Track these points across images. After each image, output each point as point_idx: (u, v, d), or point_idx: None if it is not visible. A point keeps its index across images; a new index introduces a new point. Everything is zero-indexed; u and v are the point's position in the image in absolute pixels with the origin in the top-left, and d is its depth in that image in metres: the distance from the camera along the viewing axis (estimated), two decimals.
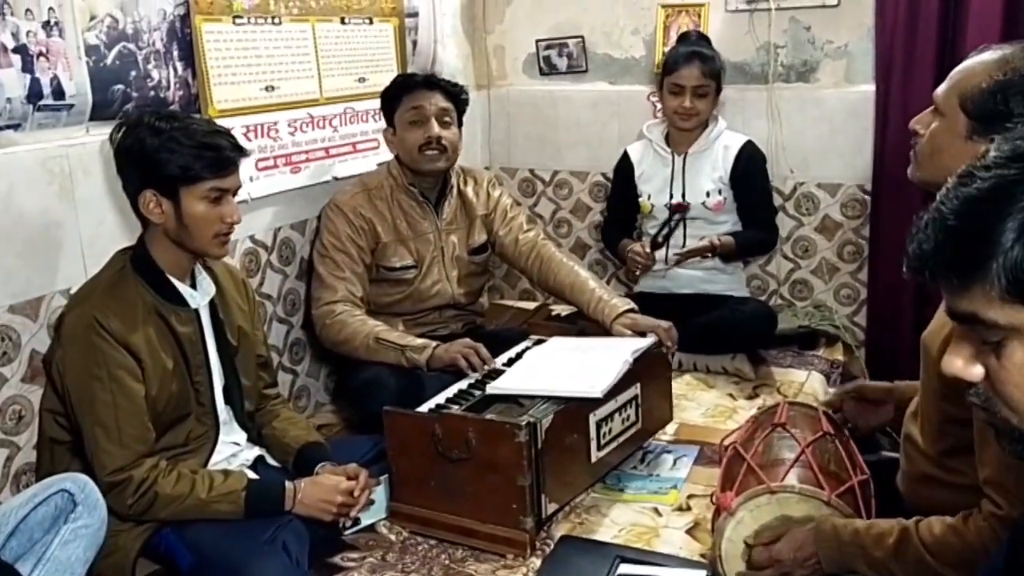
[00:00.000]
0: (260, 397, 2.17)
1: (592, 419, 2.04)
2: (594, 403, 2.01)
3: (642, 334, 2.35)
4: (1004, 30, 2.61)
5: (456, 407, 2.07)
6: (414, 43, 3.11)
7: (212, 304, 1.99)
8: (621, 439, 2.16)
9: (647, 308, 2.92)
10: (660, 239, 2.94)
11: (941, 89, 1.54)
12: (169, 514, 1.83)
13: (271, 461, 2.12)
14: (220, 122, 2.29)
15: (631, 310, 2.44)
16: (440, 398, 2.14)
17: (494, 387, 2.07)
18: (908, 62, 2.82)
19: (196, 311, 1.94)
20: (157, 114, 1.81)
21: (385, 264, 2.60)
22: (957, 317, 0.82)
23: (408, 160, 2.55)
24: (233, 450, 2.05)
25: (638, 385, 2.19)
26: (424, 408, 2.08)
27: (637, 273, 3.05)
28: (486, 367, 2.26)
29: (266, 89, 2.48)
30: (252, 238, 2.52)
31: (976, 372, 0.83)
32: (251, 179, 2.46)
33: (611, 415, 2.10)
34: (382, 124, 2.87)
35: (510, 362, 2.31)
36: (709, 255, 2.93)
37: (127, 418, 1.80)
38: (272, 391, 2.23)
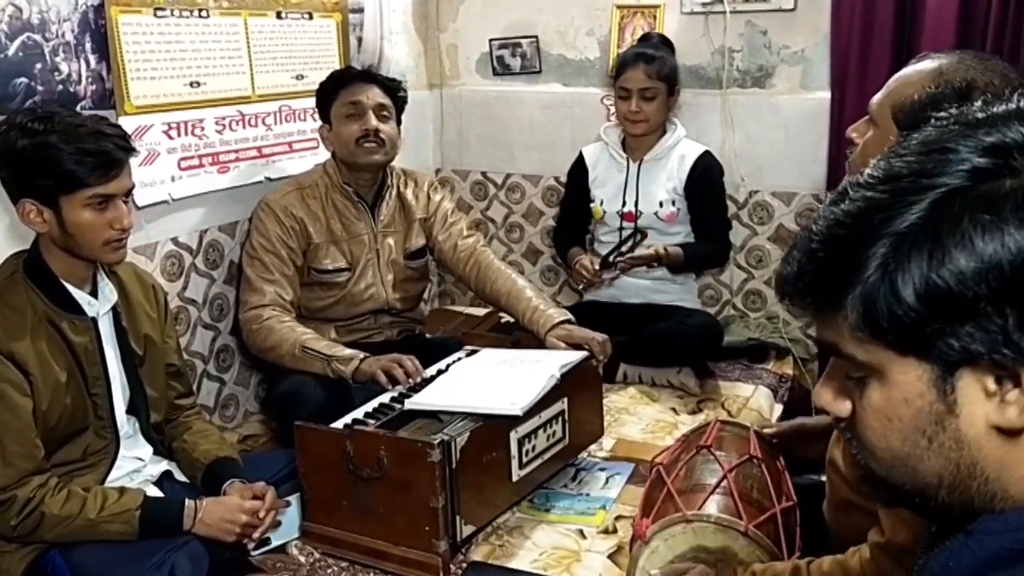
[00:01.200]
0: (172, 408, 2.07)
1: (513, 436, 1.95)
2: (515, 420, 1.92)
3: (577, 346, 2.26)
4: (958, 36, 2.53)
5: (373, 422, 1.98)
6: (359, 39, 3.01)
7: (116, 311, 1.89)
8: (546, 456, 2.07)
9: (595, 317, 2.84)
10: (611, 259, 2.83)
11: (876, 98, 1.47)
12: (57, 535, 1.72)
13: (180, 476, 2.02)
14: (138, 119, 2.23)
15: (566, 321, 2.35)
16: (359, 412, 2.05)
17: (412, 402, 1.98)
18: (863, 68, 2.74)
19: (94, 319, 1.83)
20: (34, 113, 1.68)
21: (317, 266, 2.50)
22: (822, 346, 0.74)
23: (345, 155, 2.46)
24: (136, 465, 1.95)
25: (565, 400, 2.10)
26: (339, 423, 1.98)
27: (580, 287, 2.96)
28: (411, 380, 2.16)
29: (191, 85, 2.38)
30: (175, 240, 2.42)
31: (843, 408, 0.75)
32: (173, 179, 2.35)
33: (534, 432, 2.01)
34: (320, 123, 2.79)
35: (438, 374, 2.21)
36: (655, 264, 2.84)
37: (11, 435, 1.69)
38: (186, 401, 2.12)
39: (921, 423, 0.67)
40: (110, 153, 1.67)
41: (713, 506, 1.61)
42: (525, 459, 1.99)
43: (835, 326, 0.69)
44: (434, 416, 1.96)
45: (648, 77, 2.79)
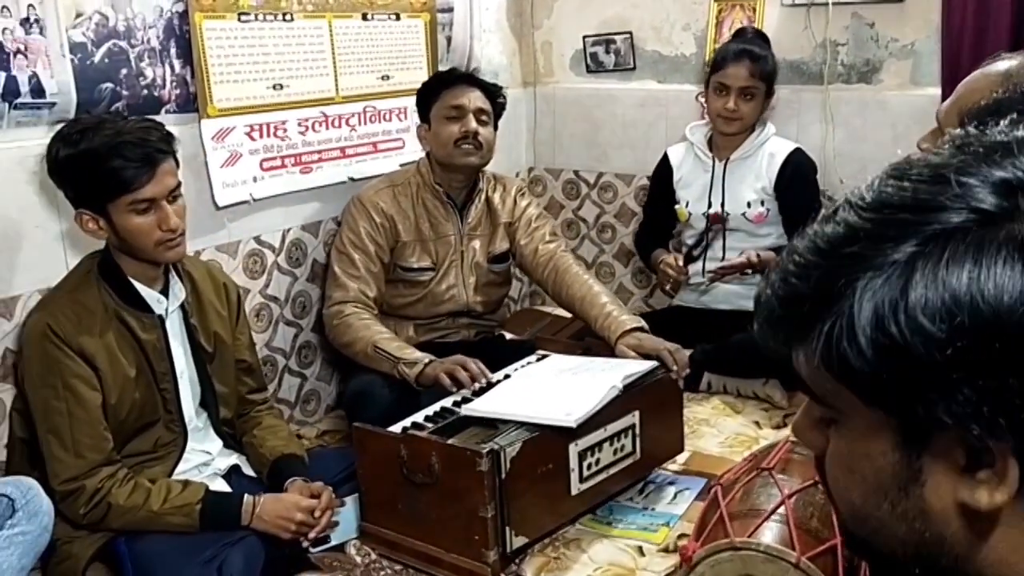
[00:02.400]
0: (243, 403, 2.12)
1: (573, 449, 1.89)
2: (572, 432, 1.87)
3: (647, 355, 2.18)
4: None
5: (430, 426, 1.96)
6: (448, 39, 3.01)
7: (184, 309, 1.95)
8: (613, 470, 2.01)
9: (683, 323, 2.76)
10: (695, 253, 2.73)
11: (944, 105, 1.35)
12: (123, 524, 1.79)
13: (247, 471, 2.06)
14: (220, 121, 2.30)
15: (639, 329, 2.27)
16: (419, 416, 2.04)
17: (468, 408, 1.95)
18: (976, 63, 2.48)
19: (161, 317, 1.89)
20: (75, 124, 1.74)
21: (402, 264, 2.51)
22: (798, 379, 0.65)
23: (442, 155, 2.46)
24: (204, 458, 2.00)
25: (637, 413, 2.03)
26: (398, 427, 1.97)
27: (667, 287, 2.86)
28: (476, 384, 2.14)
29: (274, 87, 2.43)
30: (257, 239, 2.48)
31: (816, 443, 0.66)
32: (255, 179, 2.41)
33: (598, 445, 1.95)
34: (407, 123, 2.81)
35: (504, 379, 2.18)
36: (748, 272, 2.71)
37: (81, 427, 1.77)
38: (258, 396, 2.17)
39: (884, 484, 0.58)
40: (148, 156, 1.70)
41: (767, 534, 1.51)
42: (587, 472, 1.94)
43: (804, 357, 0.61)
44: (493, 423, 1.93)
45: (751, 75, 2.67)
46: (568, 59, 3.40)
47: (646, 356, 2.19)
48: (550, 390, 2.00)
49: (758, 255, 2.66)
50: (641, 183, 3.31)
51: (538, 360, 2.31)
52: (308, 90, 2.53)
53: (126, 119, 1.76)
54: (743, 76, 2.68)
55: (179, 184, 1.79)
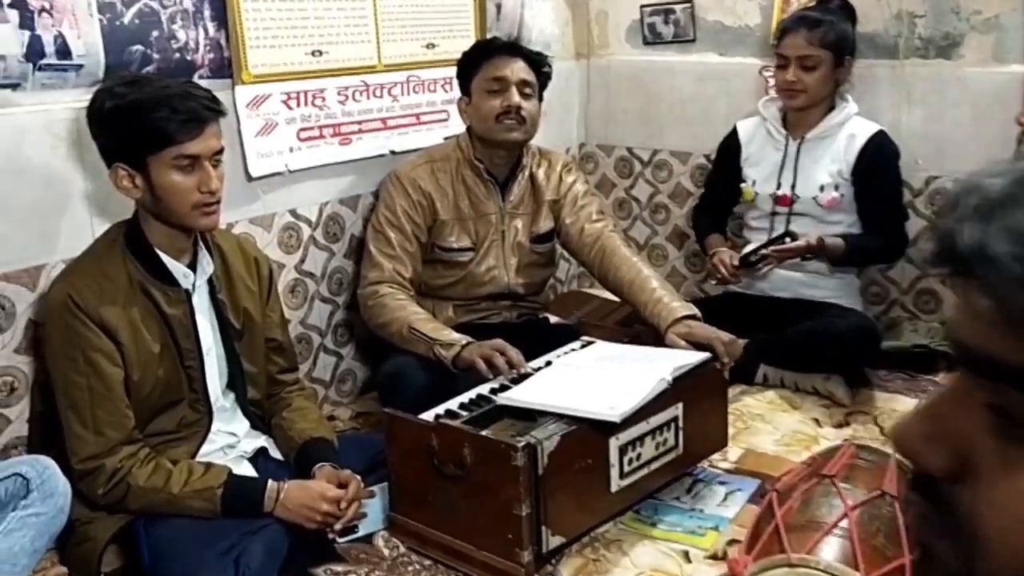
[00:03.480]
0: (273, 383, 2.03)
1: (613, 444, 1.77)
2: (615, 425, 1.74)
3: (699, 345, 2.04)
4: None
5: (465, 414, 1.85)
6: (498, 6, 2.87)
7: (212, 284, 1.86)
8: (654, 466, 1.87)
9: (737, 310, 2.60)
10: (754, 257, 2.54)
11: None
12: (142, 506, 1.72)
13: (275, 454, 1.98)
14: (255, 88, 2.20)
15: (691, 317, 2.12)
16: (454, 403, 1.93)
17: (505, 398, 1.84)
18: None
19: (188, 291, 1.80)
20: (121, 78, 1.68)
21: (441, 243, 2.39)
22: (953, 347, 0.46)
23: (483, 130, 2.33)
24: (229, 440, 1.92)
25: (680, 406, 1.89)
26: (430, 413, 1.87)
27: (714, 283, 2.70)
28: (514, 372, 2.02)
29: (312, 54, 2.32)
30: (293, 212, 2.38)
31: (937, 460, 0.46)
32: (291, 150, 2.31)
33: (640, 439, 1.82)
34: (452, 95, 2.68)
35: (545, 366, 2.06)
36: (808, 256, 2.53)
37: (101, 403, 1.69)
38: (288, 377, 2.08)
39: None
40: (196, 111, 1.64)
41: (827, 550, 1.37)
42: (627, 468, 1.81)
43: (975, 314, 0.43)
44: (530, 414, 1.81)
45: (809, 44, 2.49)
46: (624, 30, 3.24)
47: (697, 346, 2.04)
48: (593, 380, 1.87)
49: (821, 240, 2.49)
50: (698, 162, 3.15)
51: (582, 347, 2.18)
52: (349, 57, 2.41)
53: (165, 78, 1.71)
54: (800, 45, 2.51)
55: (222, 150, 1.72)
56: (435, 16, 2.64)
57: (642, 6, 3.14)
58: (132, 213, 1.77)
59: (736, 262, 2.54)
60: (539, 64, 2.36)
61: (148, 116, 1.61)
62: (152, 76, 1.69)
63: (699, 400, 1.94)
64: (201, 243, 1.84)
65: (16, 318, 1.85)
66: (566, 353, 2.13)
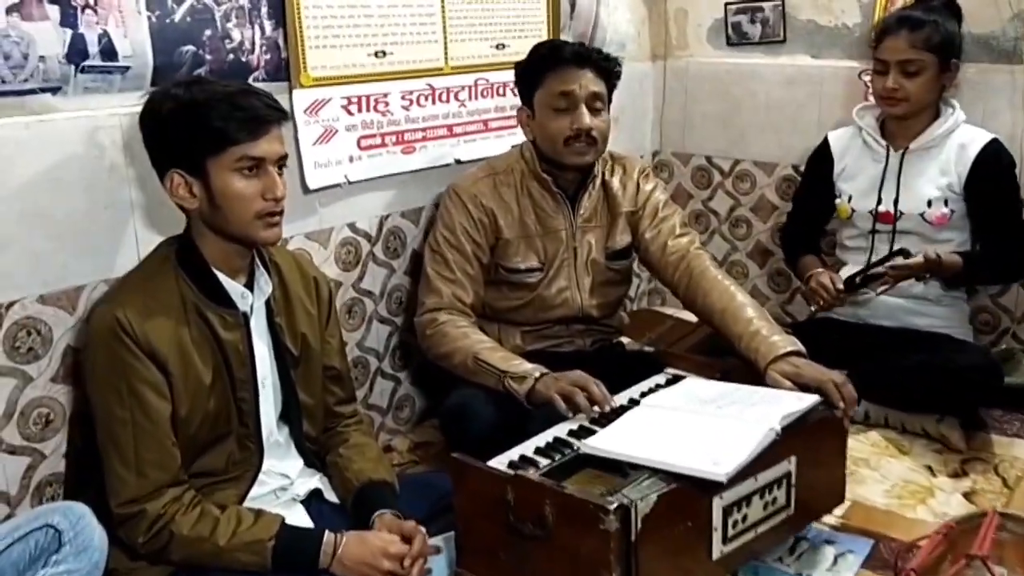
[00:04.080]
0: (329, 415, 1.85)
1: (717, 504, 1.54)
2: (718, 484, 1.51)
3: (806, 387, 1.80)
4: None
5: (545, 463, 1.64)
6: (572, 4, 2.66)
7: (269, 307, 1.68)
8: (761, 528, 1.64)
9: (832, 339, 2.35)
10: (859, 279, 2.30)
11: None
12: (185, 557, 1.54)
13: (329, 496, 1.79)
14: (314, 92, 2.03)
15: (796, 353, 1.89)
16: (529, 446, 1.72)
17: (589, 446, 1.62)
18: None
19: (246, 315, 1.62)
20: (180, 82, 1.54)
21: (506, 264, 2.18)
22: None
23: (549, 151, 2.12)
24: (282, 482, 1.74)
25: (793, 460, 1.66)
26: (503, 459, 1.66)
27: (813, 309, 2.45)
28: (596, 409, 1.80)
29: (375, 55, 2.13)
30: (351, 226, 2.20)
31: None
32: (351, 159, 2.13)
33: (747, 499, 1.59)
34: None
35: (629, 405, 1.84)
36: (926, 277, 2.28)
37: (145, 441, 1.52)
38: (346, 408, 1.89)
39: None
40: (260, 110, 1.51)
41: None
42: (732, 532, 1.58)
43: None
44: (617, 464, 1.60)
45: (911, 47, 2.25)
46: (706, 29, 3.01)
47: (804, 387, 1.81)
48: (689, 428, 1.65)
49: (939, 256, 2.23)
50: (784, 173, 2.91)
51: (667, 383, 1.96)
52: (414, 59, 2.23)
53: (225, 81, 1.58)
54: (901, 48, 2.27)
55: (286, 156, 1.58)
56: (506, 15, 2.44)
57: (726, 4, 2.91)
58: (184, 228, 1.60)
59: (841, 285, 2.29)
60: (608, 71, 2.12)
61: (208, 115, 1.46)
62: (206, 79, 1.54)
63: (815, 453, 1.70)
64: (258, 260, 1.66)
65: (53, 344, 1.68)
66: (651, 390, 1.92)
